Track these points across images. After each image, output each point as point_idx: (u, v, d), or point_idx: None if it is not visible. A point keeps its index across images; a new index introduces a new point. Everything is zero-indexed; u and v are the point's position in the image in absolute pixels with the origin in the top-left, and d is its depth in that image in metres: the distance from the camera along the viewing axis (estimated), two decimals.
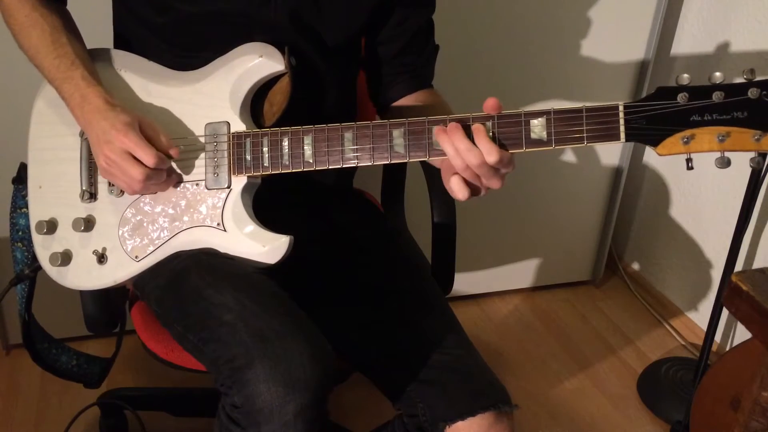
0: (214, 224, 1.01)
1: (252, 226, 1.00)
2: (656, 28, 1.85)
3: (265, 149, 0.99)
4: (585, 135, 0.88)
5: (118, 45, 1.12)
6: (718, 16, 1.83)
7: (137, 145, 0.95)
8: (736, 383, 1.36)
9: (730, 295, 0.94)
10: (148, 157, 0.95)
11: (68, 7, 1.09)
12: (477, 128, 0.88)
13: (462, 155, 0.87)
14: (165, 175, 1.00)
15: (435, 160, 0.94)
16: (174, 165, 1.01)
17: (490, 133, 0.89)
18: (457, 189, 0.90)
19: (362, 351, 1.08)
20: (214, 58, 1.03)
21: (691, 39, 1.92)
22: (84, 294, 1.11)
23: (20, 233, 1.15)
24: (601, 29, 1.82)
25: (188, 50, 1.05)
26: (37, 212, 1.08)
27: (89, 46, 1.08)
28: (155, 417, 1.55)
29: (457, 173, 0.89)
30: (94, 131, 0.97)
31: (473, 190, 0.91)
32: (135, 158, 0.95)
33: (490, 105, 0.89)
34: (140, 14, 1.06)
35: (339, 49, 1.10)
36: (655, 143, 0.86)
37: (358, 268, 1.14)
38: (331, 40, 1.08)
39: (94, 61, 1.05)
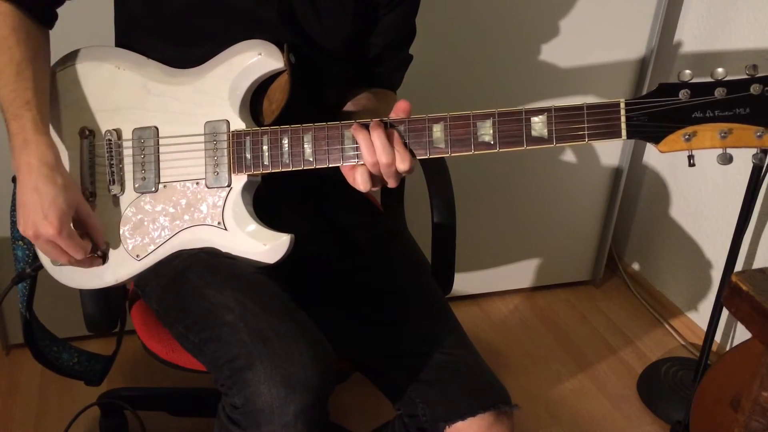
0: (215, 223, 1.01)
1: (253, 225, 1.00)
2: (657, 26, 1.85)
3: (265, 147, 0.98)
4: (586, 132, 0.87)
5: (118, 45, 1.12)
6: (718, 14, 1.83)
7: (70, 244, 0.94)
8: (736, 383, 1.36)
9: (730, 295, 0.94)
10: (78, 255, 0.96)
11: (69, 11, 1.07)
12: (393, 133, 0.92)
13: (377, 151, 0.91)
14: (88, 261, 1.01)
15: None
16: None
17: (405, 139, 0.93)
18: (361, 180, 0.95)
19: (362, 351, 1.08)
20: (212, 54, 1.02)
21: (691, 37, 1.92)
22: (83, 294, 1.11)
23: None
24: (601, 26, 1.82)
25: (187, 45, 1.05)
26: None
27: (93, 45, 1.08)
28: (155, 417, 1.55)
29: (362, 167, 0.94)
30: (26, 189, 0.93)
31: (373, 183, 0.96)
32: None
33: (403, 108, 0.94)
34: (134, 12, 1.06)
35: (337, 49, 1.10)
36: (656, 140, 0.86)
37: (358, 268, 1.13)
38: (328, 41, 1.08)
39: (93, 58, 1.05)
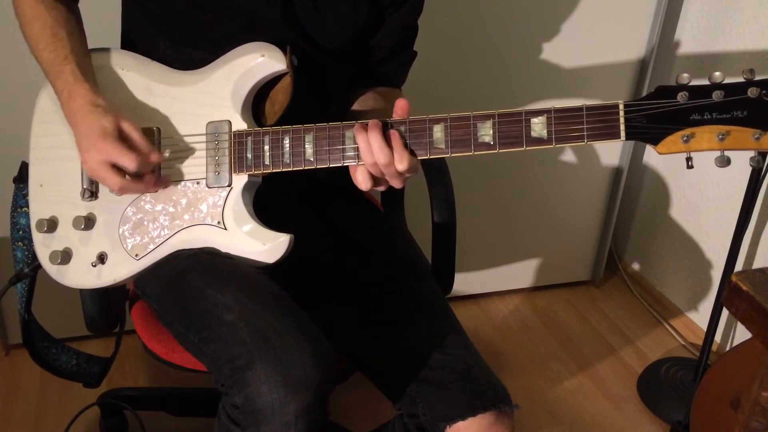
0: (215, 222, 1.01)
1: (252, 225, 1.00)
2: (656, 27, 1.85)
3: (266, 148, 0.99)
4: (585, 133, 0.88)
5: (124, 47, 1.12)
6: (718, 14, 1.83)
7: (116, 151, 0.95)
8: (736, 383, 1.36)
9: (730, 295, 0.94)
10: (128, 162, 0.95)
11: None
12: (393, 134, 0.92)
13: (373, 152, 0.92)
14: (145, 183, 0.99)
15: None
16: (158, 168, 1.01)
17: (405, 139, 0.93)
18: (361, 180, 0.96)
19: (362, 351, 1.08)
20: (214, 54, 1.03)
21: (691, 38, 1.92)
22: (84, 293, 1.11)
23: (21, 232, 1.15)
24: (601, 28, 1.82)
25: (190, 46, 1.05)
26: (37, 210, 1.08)
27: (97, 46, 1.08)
28: (155, 417, 1.55)
29: (362, 167, 0.95)
30: (78, 132, 0.98)
31: (376, 182, 0.96)
32: (114, 166, 0.96)
33: (402, 107, 0.94)
34: (138, 13, 1.06)
35: (340, 50, 1.10)
36: (655, 142, 0.86)
37: (358, 268, 1.14)
38: (331, 42, 1.08)
39: (96, 60, 1.05)
